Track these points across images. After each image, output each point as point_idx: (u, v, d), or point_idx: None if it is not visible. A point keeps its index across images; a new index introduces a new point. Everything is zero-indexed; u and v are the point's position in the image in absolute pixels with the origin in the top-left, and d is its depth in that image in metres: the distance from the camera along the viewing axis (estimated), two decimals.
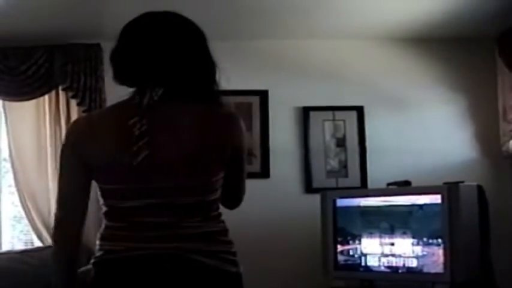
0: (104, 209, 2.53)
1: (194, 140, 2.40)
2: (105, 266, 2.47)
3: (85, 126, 2.56)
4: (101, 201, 2.53)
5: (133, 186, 2.41)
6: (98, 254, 2.51)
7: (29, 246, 6.28)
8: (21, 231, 6.48)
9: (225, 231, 2.54)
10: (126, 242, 2.42)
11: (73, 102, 6.11)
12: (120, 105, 2.53)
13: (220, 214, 2.56)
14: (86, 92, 6.04)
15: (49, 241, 6.08)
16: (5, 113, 6.23)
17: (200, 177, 2.44)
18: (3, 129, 6.29)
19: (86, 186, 2.54)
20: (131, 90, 2.52)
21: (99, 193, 2.53)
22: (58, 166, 2.62)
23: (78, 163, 2.52)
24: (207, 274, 2.41)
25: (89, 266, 2.59)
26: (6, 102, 6.22)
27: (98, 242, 2.53)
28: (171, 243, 2.39)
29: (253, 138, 6.18)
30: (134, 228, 2.42)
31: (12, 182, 6.23)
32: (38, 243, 6.21)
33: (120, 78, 2.51)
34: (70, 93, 6.11)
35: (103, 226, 2.54)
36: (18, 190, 6.17)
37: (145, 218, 2.41)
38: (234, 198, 2.70)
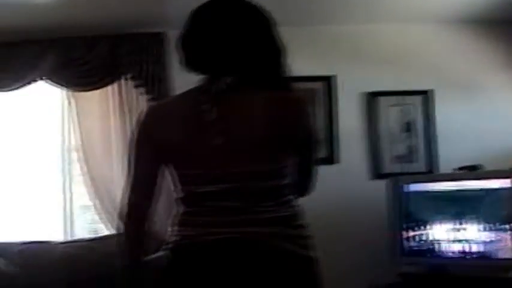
0: (179, 194, 2.53)
1: (264, 126, 2.41)
2: (182, 251, 2.48)
3: (157, 114, 2.58)
4: (177, 186, 2.53)
5: (208, 172, 2.43)
6: (173, 239, 2.52)
7: (97, 235, 6.34)
8: (89, 220, 6.54)
9: (299, 215, 2.53)
10: (201, 227, 2.44)
11: (138, 92, 6.14)
12: (190, 93, 2.54)
13: (292, 199, 2.54)
14: (151, 81, 6.07)
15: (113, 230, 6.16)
16: (70, 103, 6.29)
17: (271, 162, 2.44)
18: (68, 120, 6.36)
19: (157, 173, 2.56)
20: (197, 77, 2.53)
21: (174, 179, 2.53)
22: (132, 152, 2.63)
23: (151, 150, 2.54)
24: (281, 258, 2.41)
25: (163, 252, 2.60)
26: (72, 93, 6.27)
27: (173, 228, 2.54)
28: (245, 227, 2.40)
29: (316, 125, 6.14)
30: (209, 214, 2.43)
31: (80, 171, 6.30)
32: (105, 232, 6.27)
33: (190, 64, 2.52)
34: (135, 83, 6.14)
35: (178, 212, 2.55)
36: (86, 180, 6.24)
37: (220, 203, 2.42)
38: (305, 185, 2.69)
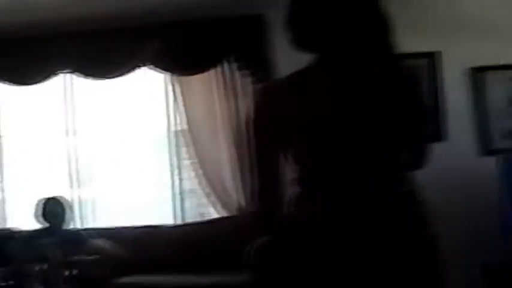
0: (294, 174, 2.52)
1: (379, 102, 2.39)
2: (299, 231, 2.47)
3: (272, 95, 2.57)
4: (292, 167, 2.52)
5: (324, 151, 2.42)
6: (289, 220, 2.51)
7: (205, 218, 6.41)
8: (197, 204, 6.61)
9: (417, 191, 2.49)
10: (318, 206, 2.42)
11: (242, 74, 6.16)
12: (302, 72, 2.52)
13: (408, 175, 2.51)
14: (254, 63, 6.07)
15: (224, 213, 6.21)
16: (174, 88, 6.37)
17: (387, 138, 2.42)
18: (173, 105, 6.44)
19: (279, 156, 2.56)
20: (303, 57, 2.52)
21: (289, 159, 2.53)
22: (252, 138, 2.63)
23: (269, 132, 2.53)
24: (402, 236, 2.39)
25: (280, 232, 2.60)
26: (176, 77, 6.33)
27: (288, 208, 2.53)
28: (364, 205, 2.37)
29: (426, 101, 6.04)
30: (325, 193, 2.42)
31: (187, 155, 6.38)
32: (214, 215, 6.35)
33: (300, 44, 2.50)
34: (238, 65, 6.15)
35: (292, 192, 2.54)
36: (194, 163, 6.31)
37: (336, 182, 2.41)
38: (418, 161, 2.65)
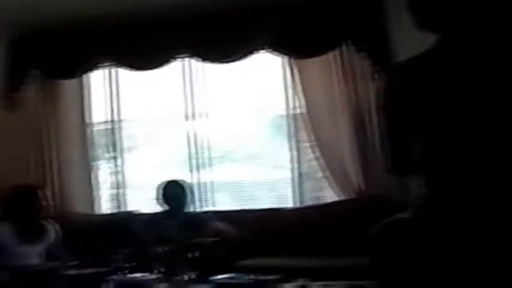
0: (424, 161, 2.47)
1: (508, 82, 2.27)
2: (427, 213, 2.43)
3: (400, 77, 2.50)
4: (421, 153, 2.47)
5: (455, 132, 2.35)
6: (420, 200, 2.47)
7: (323, 201, 6.40)
8: (315, 187, 6.60)
9: None
10: (447, 194, 2.36)
11: (360, 57, 6.09)
12: (428, 54, 2.43)
13: None
14: (372, 45, 5.99)
15: (342, 196, 6.19)
16: (292, 71, 6.37)
17: None
18: (292, 88, 6.45)
19: (409, 139, 2.51)
20: (422, 39, 2.46)
21: (420, 144, 2.47)
22: (383, 121, 2.58)
23: (400, 115, 2.48)
24: None
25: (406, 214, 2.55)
26: (294, 61, 6.33)
27: (417, 194, 2.49)
28: (495, 189, 2.27)
29: None
30: (454, 178, 2.35)
31: (306, 139, 6.39)
32: (331, 199, 6.33)
33: (424, 25, 2.45)
34: (356, 48, 6.09)
35: (421, 178, 2.48)
36: (312, 146, 6.31)
37: (467, 165, 2.34)
38: None
